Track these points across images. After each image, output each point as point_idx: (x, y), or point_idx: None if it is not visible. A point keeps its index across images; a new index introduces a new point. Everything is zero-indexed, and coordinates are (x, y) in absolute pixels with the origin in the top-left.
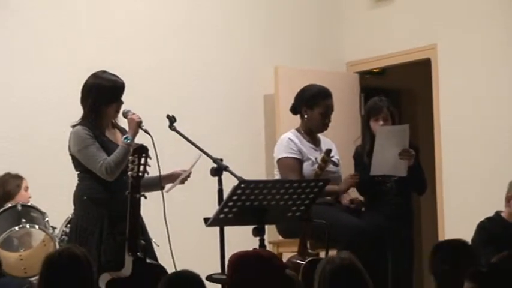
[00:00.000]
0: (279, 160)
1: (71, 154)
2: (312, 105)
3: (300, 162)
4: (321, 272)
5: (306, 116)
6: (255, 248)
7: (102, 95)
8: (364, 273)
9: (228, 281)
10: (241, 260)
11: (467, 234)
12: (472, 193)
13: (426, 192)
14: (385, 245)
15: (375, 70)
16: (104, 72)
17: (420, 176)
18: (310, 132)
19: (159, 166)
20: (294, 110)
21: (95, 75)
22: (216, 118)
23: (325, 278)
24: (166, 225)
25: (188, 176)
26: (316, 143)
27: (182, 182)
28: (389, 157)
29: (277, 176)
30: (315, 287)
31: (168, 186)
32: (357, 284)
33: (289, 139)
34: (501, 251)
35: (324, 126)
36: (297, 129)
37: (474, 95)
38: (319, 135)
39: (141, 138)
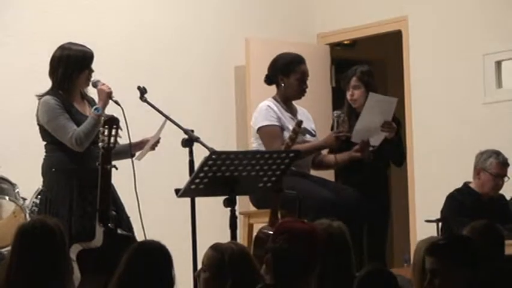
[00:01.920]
0: (260, 128)
1: (39, 124)
2: (288, 72)
3: (281, 129)
4: None
5: (282, 85)
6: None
7: (72, 64)
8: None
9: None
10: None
11: (438, 205)
12: (443, 163)
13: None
14: (359, 218)
15: (345, 42)
16: (71, 43)
17: (400, 148)
18: (287, 101)
19: (129, 137)
20: (269, 80)
21: (62, 47)
22: (187, 89)
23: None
24: (137, 196)
25: (158, 141)
26: (293, 112)
27: (152, 148)
28: (371, 126)
29: (254, 144)
30: None
31: (138, 153)
32: (343, 251)
33: (268, 107)
34: (473, 221)
35: (301, 92)
36: (274, 98)
37: (444, 67)
38: (296, 105)
39: (111, 110)
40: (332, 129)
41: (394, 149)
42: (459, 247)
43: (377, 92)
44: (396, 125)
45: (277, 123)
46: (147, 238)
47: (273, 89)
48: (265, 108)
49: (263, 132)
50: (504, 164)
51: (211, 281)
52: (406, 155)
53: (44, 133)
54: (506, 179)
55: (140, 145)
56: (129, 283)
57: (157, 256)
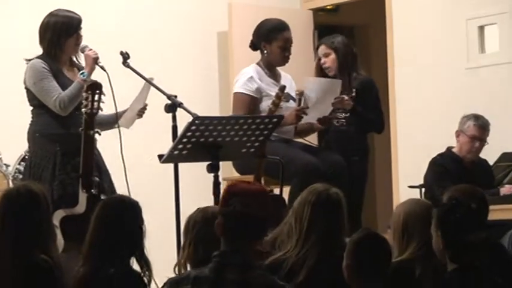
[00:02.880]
0: (234, 94)
1: (26, 87)
2: (271, 39)
3: (253, 100)
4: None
5: (265, 51)
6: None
7: (60, 29)
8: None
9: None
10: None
11: (420, 171)
12: (426, 129)
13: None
14: (340, 180)
15: (328, 7)
16: (59, 10)
17: (378, 116)
18: (271, 67)
19: (115, 103)
20: (253, 46)
21: (51, 14)
22: (170, 55)
23: (309, 200)
24: (123, 161)
25: (144, 108)
26: (276, 78)
27: (139, 115)
28: (322, 106)
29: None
30: (293, 209)
31: (125, 121)
32: (337, 217)
33: (251, 77)
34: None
35: (284, 59)
36: (258, 64)
37: (428, 32)
38: (280, 71)
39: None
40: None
41: (363, 118)
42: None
43: (358, 58)
44: (368, 87)
45: (251, 94)
46: None
47: (255, 54)
48: (249, 77)
49: (235, 98)
50: (481, 127)
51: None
52: (384, 121)
53: (31, 96)
54: (486, 143)
55: (125, 112)
56: (98, 236)
57: (122, 208)
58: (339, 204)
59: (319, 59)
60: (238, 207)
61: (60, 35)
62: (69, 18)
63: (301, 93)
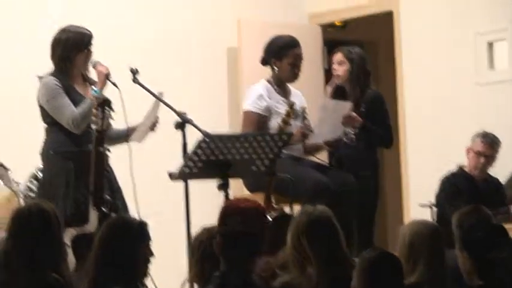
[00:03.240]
0: (243, 112)
1: (39, 105)
2: (281, 56)
3: (263, 118)
4: (297, 223)
5: (275, 68)
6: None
7: (70, 45)
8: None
9: (219, 229)
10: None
11: (431, 189)
12: (436, 146)
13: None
14: (350, 199)
15: (337, 23)
16: (71, 25)
17: (387, 130)
18: (281, 83)
19: (126, 119)
20: (264, 61)
21: (62, 30)
22: (180, 71)
23: (301, 230)
24: (133, 179)
25: (156, 121)
26: (286, 94)
27: (152, 128)
28: (330, 128)
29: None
30: (289, 238)
31: (137, 135)
32: (332, 236)
33: (260, 95)
34: (468, 204)
35: (294, 76)
36: (268, 80)
37: (437, 48)
38: (291, 87)
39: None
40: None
41: (373, 133)
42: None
43: (371, 75)
44: (377, 102)
45: (260, 113)
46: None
47: (264, 70)
48: (258, 95)
49: (244, 116)
50: (488, 143)
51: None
52: (392, 136)
53: (44, 114)
54: (493, 160)
55: (131, 130)
56: (101, 257)
57: (125, 229)
58: (329, 223)
59: (333, 63)
60: (235, 225)
61: (70, 50)
62: (80, 34)
63: (303, 110)
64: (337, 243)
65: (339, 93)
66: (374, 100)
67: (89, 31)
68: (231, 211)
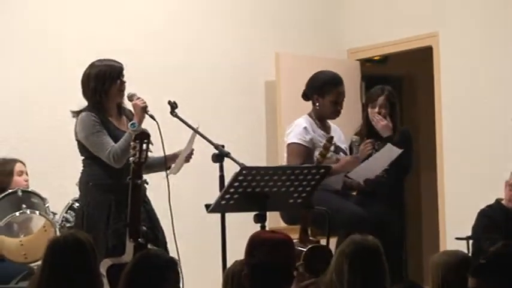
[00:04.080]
0: (289, 144)
1: (77, 139)
2: (323, 93)
3: (308, 151)
4: (343, 251)
5: (317, 104)
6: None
7: (101, 78)
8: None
9: (246, 260)
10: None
11: (468, 222)
12: (474, 180)
13: (427, 178)
14: (385, 233)
15: (376, 58)
16: (99, 60)
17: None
18: (322, 119)
19: (164, 151)
20: (306, 96)
21: (91, 65)
22: (218, 104)
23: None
24: (171, 211)
25: (191, 153)
26: (327, 130)
27: (187, 160)
28: (371, 170)
29: (285, 159)
30: (332, 265)
31: (172, 166)
32: (379, 267)
33: (305, 128)
34: (505, 238)
35: (336, 113)
36: (309, 115)
37: (475, 83)
38: (330, 122)
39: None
40: (351, 153)
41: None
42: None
43: (404, 110)
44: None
45: (306, 145)
46: (180, 254)
47: (302, 104)
48: (303, 128)
49: (290, 148)
50: None
51: None
52: (413, 159)
53: (82, 148)
54: None
55: (174, 158)
56: None
57: (163, 267)
58: (377, 252)
59: (373, 107)
60: (262, 257)
61: (103, 82)
62: (110, 66)
63: (357, 141)
64: (378, 273)
65: (371, 134)
66: (404, 136)
67: (119, 63)
68: (258, 242)
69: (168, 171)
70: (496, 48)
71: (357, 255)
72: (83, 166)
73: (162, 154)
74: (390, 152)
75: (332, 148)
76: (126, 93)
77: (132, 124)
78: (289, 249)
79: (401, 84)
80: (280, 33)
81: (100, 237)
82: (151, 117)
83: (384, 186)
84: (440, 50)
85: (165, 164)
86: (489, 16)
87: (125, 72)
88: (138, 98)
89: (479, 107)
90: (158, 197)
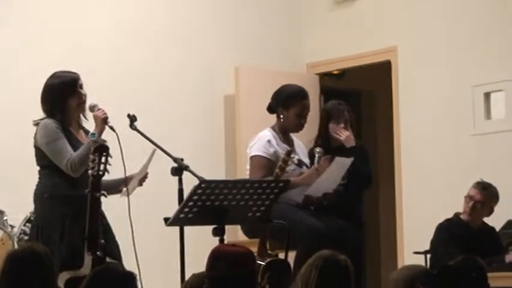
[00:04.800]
0: (252, 157)
1: (36, 146)
2: (288, 105)
3: (271, 164)
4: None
5: (281, 116)
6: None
7: (59, 90)
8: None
9: (207, 273)
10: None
11: (426, 236)
12: (432, 195)
13: (385, 193)
14: (345, 247)
15: (334, 72)
16: (59, 71)
17: (364, 168)
18: (285, 132)
19: (124, 163)
20: (270, 109)
21: (51, 76)
22: (177, 118)
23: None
24: (131, 224)
25: (145, 176)
26: (290, 143)
27: (140, 183)
28: (330, 180)
29: (247, 172)
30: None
31: (124, 190)
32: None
33: (268, 141)
34: (463, 252)
35: (299, 127)
36: (273, 128)
37: (434, 98)
38: (292, 136)
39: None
40: (312, 165)
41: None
42: (452, 278)
43: (363, 124)
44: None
45: (270, 158)
46: (140, 267)
47: (262, 118)
48: (267, 140)
49: (253, 161)
50: (480, 189)
51: None
52: (372, 172)
53: (41, 156)
54: (486, 208)
55: (130, 179)
56: None
57: (110, 282)
58: (347, 271)
59: (338, 123)
60: (223, 270)
61: (59, 96)
62: (67, 77)
63: (320, 152)
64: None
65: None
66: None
67: (75, 73)
68: (218, 255)
69: (120, 194)
70: (454, 62)
71: (327, 270)
72: (39, 177)
73: (121, 166)
74: (342, 164)
75: (295, 160)
76: (87, 105)
77: (92, 134)
78: (251, 263)
79: (359, 98)
80: (240, 48)
81: (55, 250)
82: (111, 128)
83: (343, 198)
84: (398, 65)
85: (125, 183)
86: (447, 29)
87: (83, 83)
88: (99, 109)
89: (438, 121)
90: (117, 210)
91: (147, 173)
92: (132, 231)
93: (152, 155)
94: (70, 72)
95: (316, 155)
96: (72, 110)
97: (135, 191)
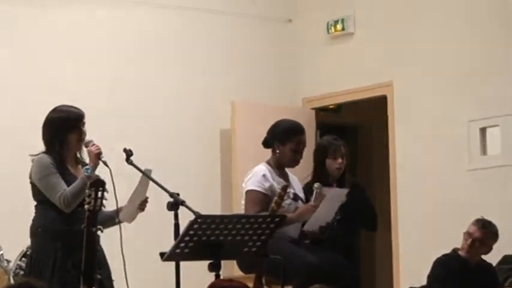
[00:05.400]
0: (247, 192)
1: (31, 182)
2: (284, 140)
3: (267, 198)
4: None
5: (277, 151)
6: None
7: (61, 125)
8: None
9: None
10: None
11: (422, 271)
12: (428, 230)
13: (381, 229)
14: (342, 282)
15: (331, 106)
16: (62, 105)
17: (369, 212)
18: (280, 167)
19: (116, 199)
20: (266, 143)
21: (53, 110)
22: (172, 152)
23: None
24: (123, 259)
25: (145, 201)
26: (285, 178)
27: (141, 208)
28: (323, 216)
29: (243, 206)
30: None
31: (126, 215)
32: None
33: (264, 176)
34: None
35: (295, 162)
36: (268, 163)
37: (429, 132)
38: (287, 171)
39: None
40: (308, 200)
41: (361, 213)
42: None
43: (359, 159)
44: (357, 187)
45: (265, 192)
46: None
47: (258, 152)
48: (262, 175)
49: (249, 195)
50: (480, 226)
51: None
52: (377, 220)
53: (36, 191)
54: (484, 246)
55: (119, 211)
56: None
57: None
58: None
59: (335, 158)
60: None
61: (61, 130)
62: (70, 113)
63: (319, 188)
64: None
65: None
66: (356, 184)
67: (79, 110)
68: None
69: (118, 219)
70: (449, 98)
71: None
72: (35, 212)
73: (114, 204)
74: (337, 195)
75: (291, 195)
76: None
77: (86, 169)
78: None
79: (356, 133)
80: (236, 82)
81: (46, 284)
82: (105, 163)
83: (338, 232)
84: (394, 100)
85: (117, 215)
86: (442, 65)
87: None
88: (93, 145)
89: (434, 157)
90: (112, 244)
91: (146, 198)
92: (125, 266)
93: (147, 181)
94: (74, 107)
95: (315, 191)
96: (71, 146)
97: (131, 225)
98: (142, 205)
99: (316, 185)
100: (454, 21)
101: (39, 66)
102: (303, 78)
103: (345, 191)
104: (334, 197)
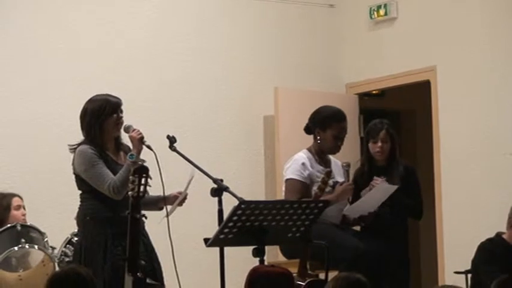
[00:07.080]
0: (287, 180)
1: (75, 173)
2: (326, 127)
3: (306, 187)
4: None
5: (318, 137)
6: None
7: (97, 112)
8: None
9: None
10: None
11: (466, 256)
12: (472, 213)
13: (425, 212)
14: (383, 268)
15: (374, 92)
16: (97, 95)
17: (418, 203)
18: (321, 153)
19: (162, 182)
20: (308, 129)
21: (89, 100)
22: (216, 139)
23: None
24: (171, 245)
25: (185, 198)
26: (326, 164)
27: (180, 204)
28: (366, 207)
29: (283, 193)
30: None
31: (170, 210)
32: None
33: (303, 164)
34: (504, 272)
35: (336, 148)
36: (309, 149)
37: (473, 116)
38: (330, 156)
39: (146, 155)
40: (355, 183)
41: (409, 203)
42: None
43: (403, 144)
44: (410, 175)
45: (304, 181)
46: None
47: (301, 138)
48: (301, 163)
49: (288, 184)
50: None
51: None
52: (423, 208)
53: (81, 182)
54: None
55: (168, 200)
56: None
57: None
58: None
59: (375, 142)
60: None
61: (98, 116)
62: (105, 101)
63: (348, 165)
64: None
65: (373, 168)
66: (408, 173)
67: (116, 97)
68: (258, 276)
69: (159, 221)
70: (493, 81)
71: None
72: (81, 201)
73: (159, 184)
74: (386, 190)
75: (331, 182)
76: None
77: (130, 155)
78: (289, 284)
79: (399, 118)
80: (279, 68)
81: (98, 271)
82: (149, 147)
83: (385, 221)
84: (438, 84)
85: (160, 202)
86: (485, 48)
87: (122, 107)
88: (134, 130)
89: (478, 140)
90: (157, 231)
91: (186, 194)
92: (173, 252)
93: (191, 178)
94: (111, 95)
95: (343, 170)
96: (109, 131)
97: (177, 209)
98: (182, 201)
99: (344, 163)
100: (499, 1)
101: (80, 58)
102: (346, 64)
103: (394, 187)
104: (381, 190)
